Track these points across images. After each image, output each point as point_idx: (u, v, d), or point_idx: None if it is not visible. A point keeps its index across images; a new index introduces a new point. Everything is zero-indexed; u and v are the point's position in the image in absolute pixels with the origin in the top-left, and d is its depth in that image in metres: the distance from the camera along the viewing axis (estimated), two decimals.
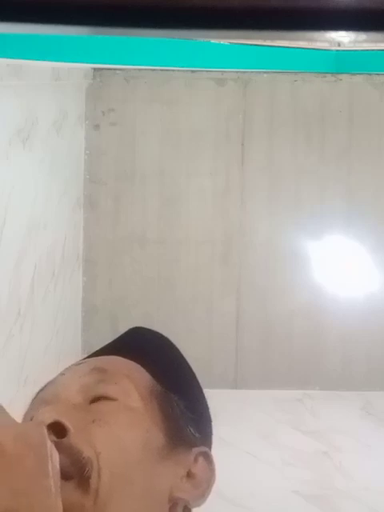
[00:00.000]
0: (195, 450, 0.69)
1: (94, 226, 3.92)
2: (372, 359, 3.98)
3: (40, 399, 0.68)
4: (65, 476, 0.56)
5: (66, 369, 0.72)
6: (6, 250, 2.57)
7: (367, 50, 3.51)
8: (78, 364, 0.73)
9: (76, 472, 0.58)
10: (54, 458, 0.55)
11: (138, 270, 3.94)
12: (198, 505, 0.68)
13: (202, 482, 0.68)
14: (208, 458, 0.70)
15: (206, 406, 0.77)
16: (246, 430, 3.48)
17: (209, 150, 3.92)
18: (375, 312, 3.91)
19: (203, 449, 0.71)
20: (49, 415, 0.61)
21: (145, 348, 0.76)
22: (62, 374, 0.71)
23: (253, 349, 3.98)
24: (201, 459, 0.69)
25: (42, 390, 0.70)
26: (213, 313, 3.97)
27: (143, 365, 0.72)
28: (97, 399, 0.65)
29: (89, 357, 0.76)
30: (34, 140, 2.84)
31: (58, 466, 0.54)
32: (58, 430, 0.60)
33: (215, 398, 3.91)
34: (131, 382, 0.68)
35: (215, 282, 3.97)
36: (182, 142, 3.91)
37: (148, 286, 3.94)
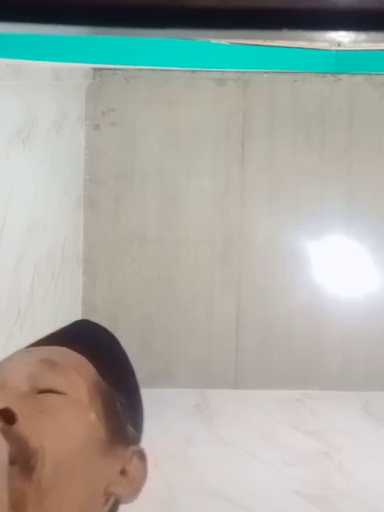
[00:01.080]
0: (132, 448, 0.71)
1: (94, 226, 3.92)
2: (372, 359, 3.98)
3: None
4: (10, 461, 0.58)
5: (14, 354, 0.72)
6: (6, 250, 2.57)
7: (367, 50, 3.51)
8: (25, 351, 0.72)
9: (21, 460, 0.59)
10: (2, 449, 0.57)
11: (137, 269, 3.94)
12: (130, 501, 0.70)
13: (135, 480, 0.69)
14: (142, 456, 0.72)
15: (141, 403, 0.78)
16: (246, 430, 3.48)
17: (209, 150, 3.92)
18: (375, 312, 3.92)
19: (139, 447, 0.73)
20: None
21: (92, 342, 0.76)
22: (8, 359, 0.71)
23: (253, 349, 3.98)
24: (136, 457, 0.70)
25: None
26: (213, 313, 3.97)
27: (89, 359, 0.72)
28: (44, 391, 0.66)
29: (34, 344, 0.75)
30: (34, 140, 2.84)
31: (6, 459, 0.57)
32: (6, 416, 0.60)
33: (215, 398, 3.92)
34: (80, 375, 0.69)
35: (215, 282, 3.97)
36: (182, 142, 3.91)
37: (148, 286, 3.95)
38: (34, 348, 0.73)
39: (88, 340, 0.76)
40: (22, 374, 0.67)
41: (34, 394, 0.65)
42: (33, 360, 0.69)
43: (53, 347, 0.73)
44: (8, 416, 0.60)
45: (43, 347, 0.73)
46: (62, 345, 0.73)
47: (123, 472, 0.68)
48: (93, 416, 0.66)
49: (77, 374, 0.69)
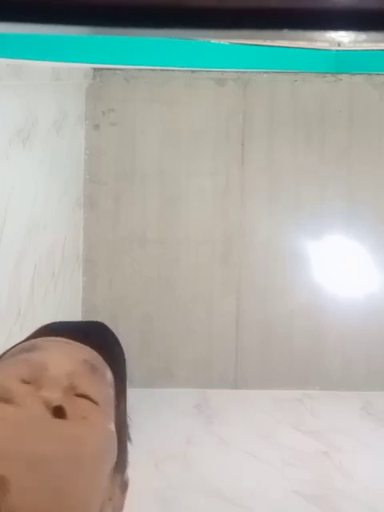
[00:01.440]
0: (122, 476, 0.68)
1: (94, 226, 3.92)
2: (372, 359, 3.98)
3: (37, 363, 0.65)
4: None
5: (50, 339, 0.69)
6: (6, 250, 2.57)
7: (367, 50, 3.51)
8: (65, 342, 0.69)
9: None
10: None
11: (137, 269, 3.94)
12: None
13: (117, 508, 0.66)
14: (125, 487, 0.69)
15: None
16: (246, 430, 3.48)
17: (209, 150, 3.92)
18: (375, 312, 3.92)
19: (127, 476, 0.70)
20: (56, 397, 0.60)
21: (111, 352, 0.74)
22: (46, 340, 0.68)
23: (253, 349, 3.98)
24: (119, 487, 0.67)
25: (30, 350, 0.67)
26: (213, 313, 3.97)
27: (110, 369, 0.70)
28: (81, 395, 0.63)
29: (55, 332, 0.72)
30: (34, 140, 2.84)
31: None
32: (57, 412, 0.59)
33: (215, 398, 3.92)
34: (112, 390, 0.68)
35: (215, 282, 3.97)
36: (182, 142, 3.91)
37: (148, 286, 3.94)
38: (75, 343, 0.70)
39: (108, 349, 0.73)
40: (63, 367, 0.64)
41: (72, 394, 0.63)
42: (75, 357, 0.67)
43: (91, 350, 0.70)
44: (59, 412, 0.59)
45: (83, 346, 0.70)
46: (82, 342, 0.71)
47: (110, 498, 0.65)
48: (114, 436, 0.64)
49: (111, 388, 0.68)
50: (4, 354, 0.71)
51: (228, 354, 3.98)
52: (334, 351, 3.98)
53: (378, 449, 3.36)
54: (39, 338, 0.70)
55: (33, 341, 0.70)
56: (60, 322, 0.79)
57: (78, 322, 0.81)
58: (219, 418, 3.62)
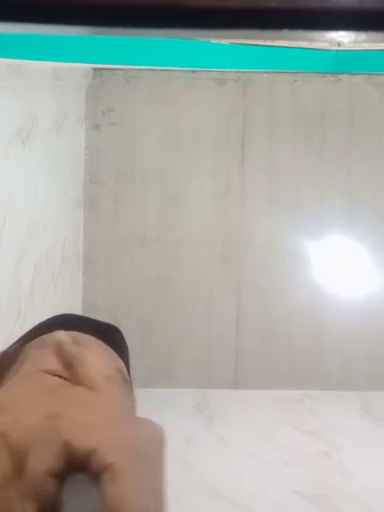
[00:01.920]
0: None
1: (94, 226, 3.92)
2: (372, 359, 3.98)
3: (79, 359, 0.62)
4: None
5: (92, 340, 0.67)
6: (6, 250, 2.57)
7: (367, 50, 3.51)
8: (95, 341, 0.68)
9: None
10: None
11: (137, 269, 3.94)
12: None
13: None
14: None
15: None
16: (246, 430, 3.48)
17: (209, 150, 3.92)
18: (375, 312, 3.91)
19: None
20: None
21: (127, 364, 0.73)
22: (87, 339, 0.66)
23: (253, 349, 3.98)
24: None
25: (76, 343, 0.65)
26: (213, 313, 3.97)
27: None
28: None
29: (84, 330, 0.70)
30: (34, 140, 2.84)
31: None
32: None
33: (215, 398, 3.91)
34: None
35: (215, 282, 3.97)
36: (181, 142, 3.91)
37: (148, 286, 3.95)
38: (108, 348, 0.69)
39: (125, 360, 0.73)
40: (101, 370, 0.62)
41: None
42: (110, 364, 0.65)
43: (120, 359, 0.69)
44: None
45: (115, 354, 0.70)
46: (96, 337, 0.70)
47: None
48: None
49: (136, 401, 0.68)
50: (34, 332, 0.70)
51: (228, 353, 3.98)
52: (334, 351, 3.98)
53: (378, 449, 3.36)
54: (77, 332, 0.69)
55: (74, 333, 0.69)
56: (76, 317, 0.78)
57: (97, 322, 0.79)
58: (219, 418, 3.62)
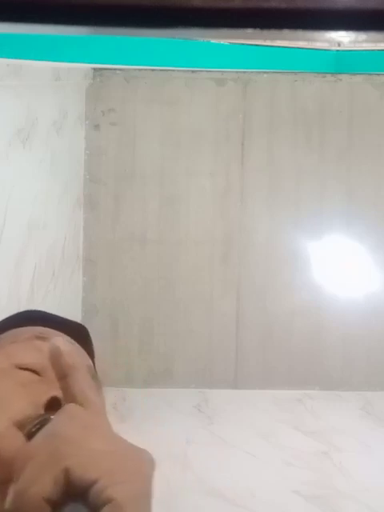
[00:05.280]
0: None
1: (93, 226, 3.92)
2: (372, 359, 3.98)
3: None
4: None
5: (60, 336, 0.67)
6: (6, 250, 2.57)
7: (367, 50, 3.51)
8: (71, 342, 0.68)
9: None
10: None
11: (137, 270, 3.94)
12: None
13: None
14: None
15: None
16: (246, 430, 3.48)
17: (209, 150, 3.92)
18: (375, 312, 3.91)
19: None
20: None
21: (94, 363, 0.73)
22: (55, 335, 0.66)
23: (253, 349, 3.98)
24: None
25: (44, 339, 0.65)
26: (213, 313, 3.97)
27: None
28: None
29: (51, 326, 0.70)
30: (34, 140, 2.84)
31: None
32: None
33: (215, 398, 3.91)
34: None
35: (215, 282, 3.97)
36: (181, 142, 3.91)
37: (148, 286, 3.94)
38: (77, 345, 0.69)
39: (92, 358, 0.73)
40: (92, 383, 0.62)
41: None
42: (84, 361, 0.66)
43: (88, 357, 0.70)
44: None
45: (84, 351, 0.70)
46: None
47: None
48: None
49: (104, 399, 0.68)
50: (5, 323, 0.69)
51: (228, 354, 3.98)
52: (334, 351, 3.98)
53: (377, 449, 3.36)
54: (45, 329, 0.69)
55: (42, 329, 0.69)
56: (45, 313, 0.78)
57: (65, 319, 0.79)
58: (219, 418, 3.62)
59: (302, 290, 3.93)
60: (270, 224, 3.94)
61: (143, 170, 3.91)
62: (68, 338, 0.69)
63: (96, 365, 0.72)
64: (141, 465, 0.51)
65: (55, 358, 0.56)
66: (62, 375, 0.56)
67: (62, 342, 0.58)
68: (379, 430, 3.54)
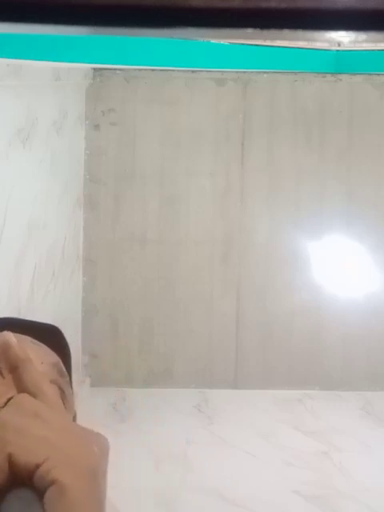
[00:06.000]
0: None
1: (93, 226, 3.92)
2: (372, 359, 3.98)
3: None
4: None
5: (21, 338, 0.66)
6: (6, 250, 2.57)
7: (367, 50, 3.51)
8: (34, 342, 0.68)
9: None
10: None
11: (137, 270, 3.94)
12: None
13: None
14: None
15: None
16: (246, 430, 3.48)
17: (209, 150, 3.92)
18: (375, 312, 3.92)
19: None
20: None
21: (67, 361, 0.73)
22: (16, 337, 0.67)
23: (253, 349, 3.98)
24: None
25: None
26: (213, 313, 3.97)
27: None
28: None
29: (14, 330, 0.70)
30: (34, 140, 2.84)
31: None
32: None
33: (215, 398, 3.92)
34: None
35: (215, 282, 3.97)
36: (181, 142, 3.91)
37: (148, 286, 3.95)
38: (42, 345, 0.70)
39: (63, 357, 0.73)
40: (47, 374, 0.64)
41: None
42: (45, 359, 0.66)
43: (55, 355, 0.70)
44: None
45: (50, 350, 0.70)
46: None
47: None
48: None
49: (73, 396, 0.69)
50: None
51: (228, 354, 3.98)
52: (334, 351, 3.98)
53: (377, 449, 3.36)
54: (7, 332, 0.69)
55: (4, 333, 0.69)
56: (12, 319, 0.78)
57: (34, 322, 0.79)
58: (219, 418, 3.62)
59: (302, 290, 3.93)
60: (270, 224, 3.95)
61: (143, 169, 3.91)
62: (31, 339, 0.69)
63: (73, 364, 0.73)
64: (90, 447, 0.51)
65: (4, 350, 0.57)
66: (13, 367, 0.57)
67: (11, 336, 0.58)
68: (379, 429, 3.54)
